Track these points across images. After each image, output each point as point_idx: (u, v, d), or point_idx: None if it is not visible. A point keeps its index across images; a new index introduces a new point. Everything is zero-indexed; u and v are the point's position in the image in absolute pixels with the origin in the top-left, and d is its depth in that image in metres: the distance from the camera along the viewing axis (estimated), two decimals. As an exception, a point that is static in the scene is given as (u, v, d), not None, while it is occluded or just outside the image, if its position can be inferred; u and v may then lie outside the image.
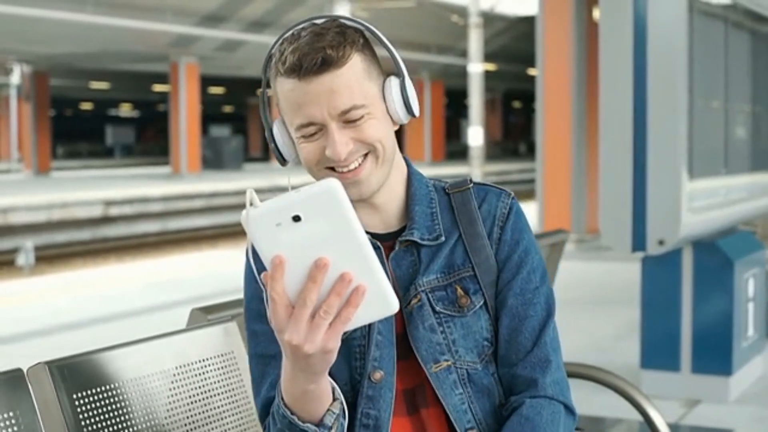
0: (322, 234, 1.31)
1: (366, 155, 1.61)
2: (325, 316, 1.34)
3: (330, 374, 1.53)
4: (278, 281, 1.33)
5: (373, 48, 1.64)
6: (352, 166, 1.60)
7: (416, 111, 1.66)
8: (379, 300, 1.35)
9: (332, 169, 1.60)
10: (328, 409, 1.51)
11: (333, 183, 1.31)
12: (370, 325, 1.63)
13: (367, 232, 1.65)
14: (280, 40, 1.61)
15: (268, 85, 1.65)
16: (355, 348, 1.65)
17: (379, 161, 1.62)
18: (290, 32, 1.60)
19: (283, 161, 1.69)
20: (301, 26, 1.61)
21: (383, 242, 1.69)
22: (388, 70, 1.68)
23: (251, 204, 1.32)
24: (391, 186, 1.68)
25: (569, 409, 1.68)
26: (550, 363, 1.67)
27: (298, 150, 1.64)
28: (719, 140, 5.71)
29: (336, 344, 1.37)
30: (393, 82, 1.64)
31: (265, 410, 1.65)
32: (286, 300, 1.35)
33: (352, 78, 1.57)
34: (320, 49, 1.54)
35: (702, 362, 5.26)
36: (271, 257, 1.33)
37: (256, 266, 1.43)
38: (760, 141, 6.57)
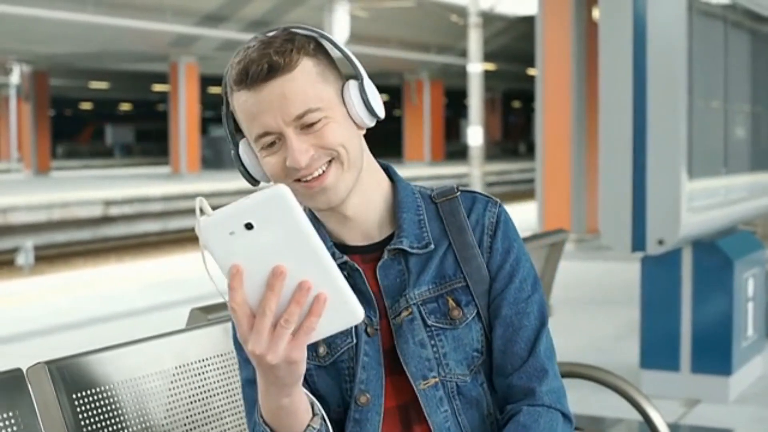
0: (276, 241, 1.28)
1: (330, 162, 1.57)
2: (286, 326, 1.30)
3: (321, 396, 1.53)
4: (237, 291, 1.31)
5: (328, 53, 1.61)
6: (316, 174, 1.56)
7: (380, 113, 1.62)
8: (341, 308, 1.32)
9: (299, 180, 1.57)
10: (309, 425, 1.49)
11: (281, 188, 1.28)
12: (357, 346, 1.62)
13: (347, 246, 1.65)
14: (233, 56, 1.58)
15: (228, 105, 1.62)
16: (344, 370, 1.63)
17: (345, 167, 1.57)
18: (242, 47, 1.58)
19: (252, 181, 1.65)
20: (252, 39, 1.58)
21: (365, 254, 1.65)
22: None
23: (202, 212, 1.29)
24: (365, 194, 1.64)
25: (566, 417, 1.67)
26: (546, 372, 1.65)
27: (262, 165, 1.60)
28: (719, 140, 5.72)
29: (301, 355, 1.34)
30: (351, 85, 1.60)
31: None
32: (247, 310, 1.32)
33: (304, 82, 1.53)
34: (266, 55, 1.52)
35: (701, 362, 5.26)
36: (228, 267, 1.31)
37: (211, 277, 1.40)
38: (760, 141, 6.57)
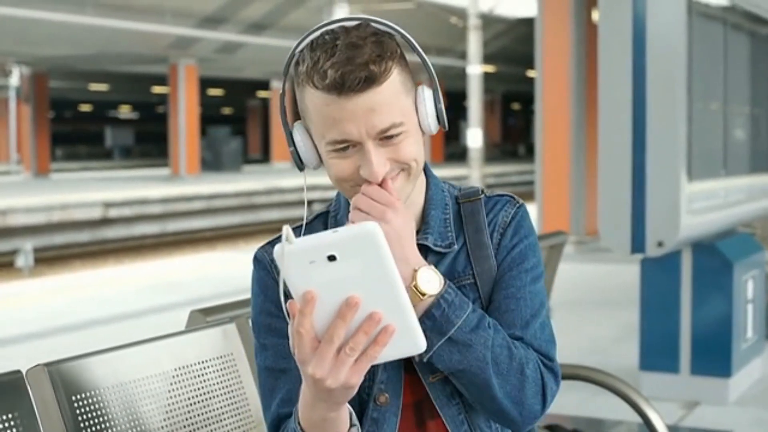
0: (355, 274, 1.31)
1: (399, 171, 1.57)
2: (350, 353, 1.32)
3: None
4: (307, 317, 1.32)
5: (404, 55, 1.59)
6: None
7: (446, 123, 1.62)
8: (406, 339, 1.35)
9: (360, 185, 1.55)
10: None
11: (373, 227, 1.30)
12: None
13: None
14: (309, 44, 1.53)
15: (288, 86, 1.61)
16: None
17: (411, 177, 1.58)
18: (320, 36, 1.53)
19: (301, 166, 1.63)
20: (330, 29, 1.54)
21: None
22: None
23: (287, 240, 1.31)
24: (412, 195, 1.64)
25: (550, 369, 1.63)
26: (532, 331, 1.63)
27: (326, 163, 1.58)
28: (718, 142, 5.72)
29: (359, 380, 1.36)
30: (426, 94, 1.59)
31: (274, 426, 1.63)
32: (313, 334, 1.33)
33: (391, 94, 1.52)
34: (363, 66, 1.48)
35: (701, 364, 5.26)
36: (302, 292, 1.32)
37: (284, 297, 1.40)
38: (759, 143, 6.57)
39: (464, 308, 1.55)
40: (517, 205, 1.71)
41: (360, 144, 1.53)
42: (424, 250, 1.64)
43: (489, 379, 1.55)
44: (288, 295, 1.36)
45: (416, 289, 1.52)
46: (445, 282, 1.55)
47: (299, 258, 1.31)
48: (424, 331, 1.45)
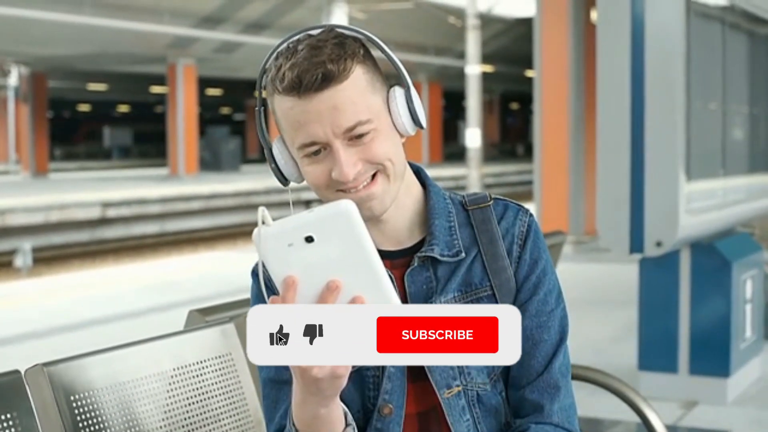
0: (334, 256, 1.29)
1: (375, 174, 1.54)
2: None
3: (343, 401, 1.50)
4: (289, 303, 1.30)
5: (373, 57, 1.57)
6: (361, 186, 1.53)
7: (423, 122, 1.59)
8: None
9: (342, 190, 1.53)
10: None
11: (348, 205, 1.28)
12: None
13: (379, 251, 1.65)
14: (275, 54, 1.53)
15: (264, 101, 1.59)
16: (369, 378, 1.61)
17: (391, 178, 1.55)
18: (285, 45, 1.53)
19: (284, 181, 1.61)
20: (296, 38, 1.53)
21: (395, 260, 1.63)
22: (387, 73, 1.61)
23: (263, 222, 1.29)
24: (400, 201, 1.61)
25: None
26: (559, 389, 1.64)
27: (302, 172, 1.56)
28: (717, 142, 5.72)
29: (347, 370, 1.33)
30: (398, 93, 1.56)
31: None
32: None
33: (355, 92, 1.49)
34: (320, 64, 1.46)
35: (700, 364, 5.26)
36: (283, 277, 1.30)
37: (266, 290, 1.39)
38: (758, 142, 6.57)
39: None
40: (529, 214, 1.70)
41: (329, 146, 1.50)
42: (432, 261, 1.63)
43: None
44: (271, 287, 1.34)
45: None
46: None
47: (277, 241, 1.29)
48: None
